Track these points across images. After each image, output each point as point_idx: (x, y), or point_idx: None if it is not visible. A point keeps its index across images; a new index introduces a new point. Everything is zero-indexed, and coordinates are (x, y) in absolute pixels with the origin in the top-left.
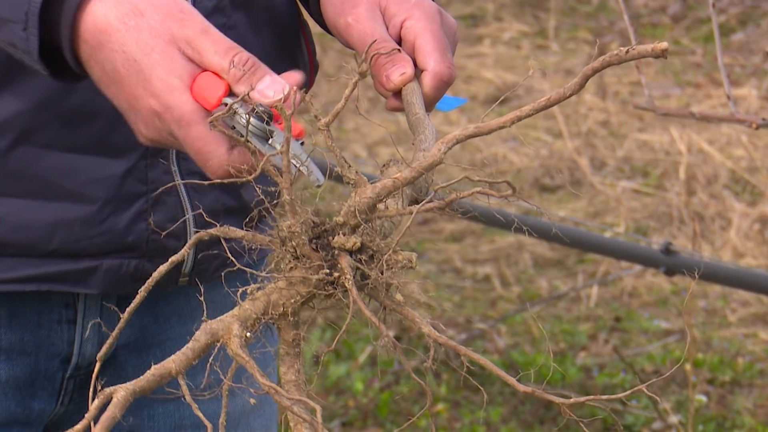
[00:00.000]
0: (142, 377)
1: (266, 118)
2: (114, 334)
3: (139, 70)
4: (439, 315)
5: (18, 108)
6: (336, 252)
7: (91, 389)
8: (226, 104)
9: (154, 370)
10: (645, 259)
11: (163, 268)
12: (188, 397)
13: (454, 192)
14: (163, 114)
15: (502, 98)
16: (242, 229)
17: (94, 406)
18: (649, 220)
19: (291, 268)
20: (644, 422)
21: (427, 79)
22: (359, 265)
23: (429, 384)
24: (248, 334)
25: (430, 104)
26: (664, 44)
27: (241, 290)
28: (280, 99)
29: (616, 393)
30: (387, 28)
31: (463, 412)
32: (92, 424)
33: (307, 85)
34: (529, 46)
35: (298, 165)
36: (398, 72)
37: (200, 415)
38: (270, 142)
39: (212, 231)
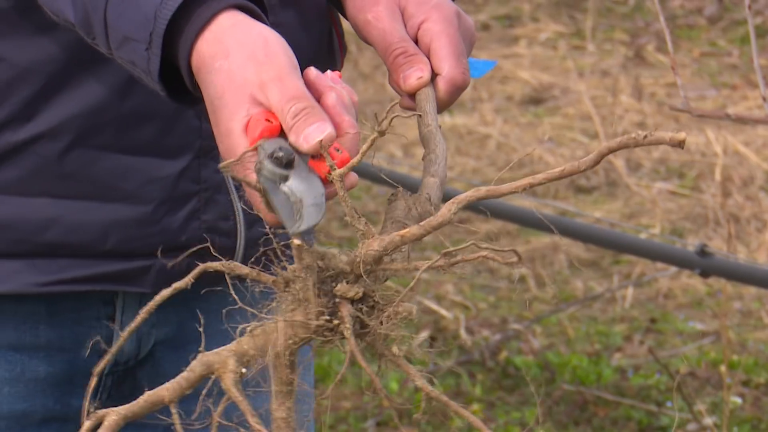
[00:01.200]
0: (134, 402)
1: (285, 162)
2: (117, 345)
3: (213, 111)
4: (474, 315)
5: (75, 111)
6: (338, 299)
7: (84, 412)
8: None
9: (147, 397)
10: (680, 261)
11: (165, 293)
12: (178, 427)
13: (461, 254)
14: (224, 155)
15: (508, 164)
16: (249, 267)
17: (85, 427)
18: (685, 221)
19: (292, 309)
20: (679, 424)
21: (441, 84)
22: (360, 315)
23: (464, 384)
24: (243, 370)
25: (442, 107)
26: (682, 135)
27: (240, 327)
28: (318, 144)
29: (651, 395)
30: (405, 28)
31: (498, 413)
32: None
33: (340, 68)
34: (566, 46)
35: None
36: (416, 75)
37: None
38: (286, 185)
39: (217, 265)
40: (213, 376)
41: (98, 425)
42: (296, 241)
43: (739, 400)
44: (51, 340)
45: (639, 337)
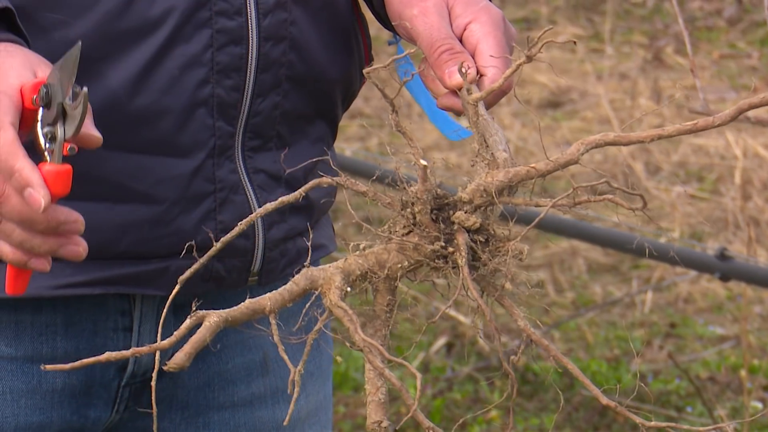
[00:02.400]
0: (235, 308)
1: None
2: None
3: None
4: (492, 320)
5: None
6: (455, 227)
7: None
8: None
9: (249, 303)
10: (700, 265)
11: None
12: (276, 338)
13: (586, 195)
14: None
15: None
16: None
17: (184, 325)
18: (704, 225)
19: (407, 233)
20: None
21: (486, 85)
22: (474, 246)
23: (482, 390)
24: (348, 289)
25: None
26: None
27: (353, 244)
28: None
29: (671, 400)
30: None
31: (516, 419)
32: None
33: (361, 79)
34: (584, 49)
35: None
36: (454, 74)
37: (285, 357)
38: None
39: (329, 180)
40: (316, 292)
41: (198, 325)
42: (422, 162)
43: (759, 405)
44: (68, 351)
45: (659, 342)
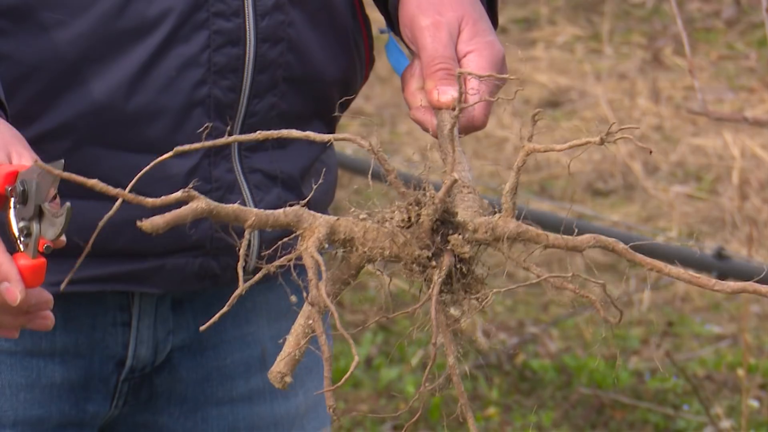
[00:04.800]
0: (223, 205)
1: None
2: None
3: None
4: (491, 319)
5: (81, 109)
6: (447, 246)
7: None
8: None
9: (237, 208)
10: (697, 264)
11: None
12: (242, 253)
13: (573, 285)
14: None
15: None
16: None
17: (173, 196)
18: (702, 224)
19: (403, 227)
20: (696, 427)
21: (466, 116)
22: (453, 272)
23: (481, 387)
24: (326, 246)
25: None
26: None
27: (353, 210)
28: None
29: (668, 398)
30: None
31: (514, 416)
32: None
33: (361, 79)
34: (583, 49)
35: None
36: (452, 94)
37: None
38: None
39: (366, 144)
40: (296, 233)
41: (185, 203)
42: (455, 175)
43: (756, 404)
44: (67, 345)
45: (656, 341)
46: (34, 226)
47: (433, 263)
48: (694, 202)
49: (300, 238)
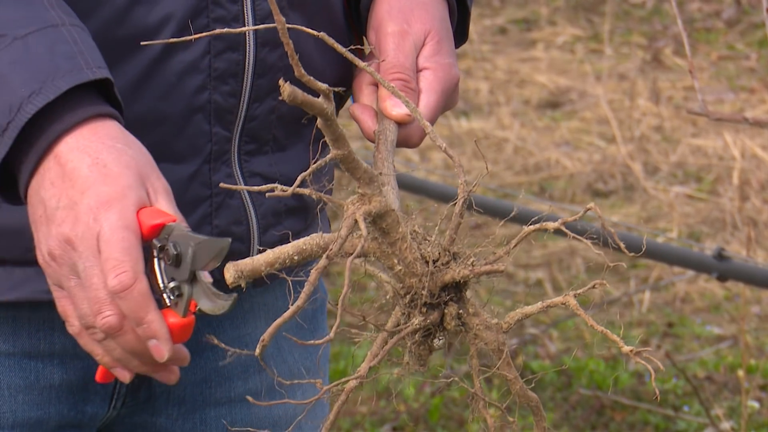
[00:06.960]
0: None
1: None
2: None
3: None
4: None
5: None
6: (443, 307)
7: None
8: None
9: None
10: (698, 265)
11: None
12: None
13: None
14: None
15: None
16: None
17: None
18: (702, 225)
19: (426, 261)
20: (696, 428)
21: (402, 131)
22: (431, 328)
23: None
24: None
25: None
26: None
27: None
28: None
29: (668, 399)
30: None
31: (514, 417)
32: None
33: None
34: (583, 50)
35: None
36: (404, 110)
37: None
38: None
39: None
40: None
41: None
42: (501, 266)
43: (756, 405)
44: (66, 347)
45: (656, 342)
46: (186, 288)
47: (424, 309)
48: (694, 203)
49: (355, 199)
